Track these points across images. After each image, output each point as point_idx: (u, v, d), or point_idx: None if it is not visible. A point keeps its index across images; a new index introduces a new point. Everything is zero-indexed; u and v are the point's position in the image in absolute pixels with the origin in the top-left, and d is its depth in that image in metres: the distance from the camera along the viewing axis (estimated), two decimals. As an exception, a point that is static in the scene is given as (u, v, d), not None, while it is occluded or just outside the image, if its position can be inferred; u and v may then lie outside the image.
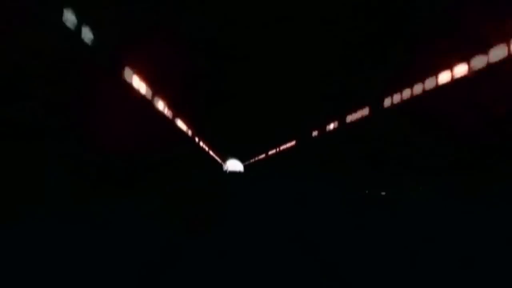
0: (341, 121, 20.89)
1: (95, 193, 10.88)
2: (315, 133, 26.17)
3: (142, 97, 14.20)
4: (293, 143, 34.46)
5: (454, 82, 11.06)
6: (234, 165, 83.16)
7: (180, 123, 23.14)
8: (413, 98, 13.48)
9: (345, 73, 18.32)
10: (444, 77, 11.63)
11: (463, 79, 10.64)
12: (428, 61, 12.20)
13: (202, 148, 38.03)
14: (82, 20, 8.68)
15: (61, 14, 7.74)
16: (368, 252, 6.16)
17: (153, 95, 15.74)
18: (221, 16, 14.38)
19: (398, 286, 4.46)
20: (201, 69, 18.97)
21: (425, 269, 5.23)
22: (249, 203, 14.28)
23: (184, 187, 22.46)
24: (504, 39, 9.15)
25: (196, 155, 33.58)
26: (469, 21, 9.88)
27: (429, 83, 12.47)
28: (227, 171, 76.92)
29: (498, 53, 9.39)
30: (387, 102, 15.84)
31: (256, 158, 63.39)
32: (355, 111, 18.86)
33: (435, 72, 11.96)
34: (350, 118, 19.56)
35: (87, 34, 9.16)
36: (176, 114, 21.13)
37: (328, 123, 23.11)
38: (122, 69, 12.12)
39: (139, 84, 13.53)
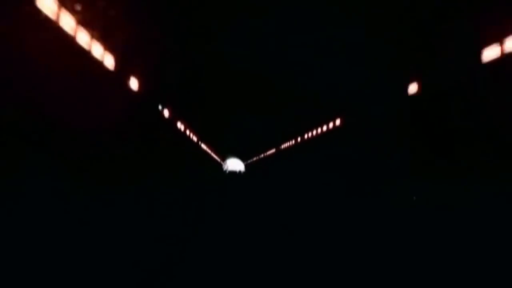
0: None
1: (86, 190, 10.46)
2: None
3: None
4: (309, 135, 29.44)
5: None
6: (234, 164, 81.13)
7: (167, 113, 20.90)
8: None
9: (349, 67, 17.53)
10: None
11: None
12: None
13: (197, 145, 36.32)
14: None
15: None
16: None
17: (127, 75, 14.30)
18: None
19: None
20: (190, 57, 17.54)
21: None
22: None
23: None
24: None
25: (190, 154, 31.74)
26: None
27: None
28: (227, 171, 73.82)
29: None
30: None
31: (260, 157, 60.22)
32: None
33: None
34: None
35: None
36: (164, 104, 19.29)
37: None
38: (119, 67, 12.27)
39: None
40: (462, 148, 11.22)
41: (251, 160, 70.45)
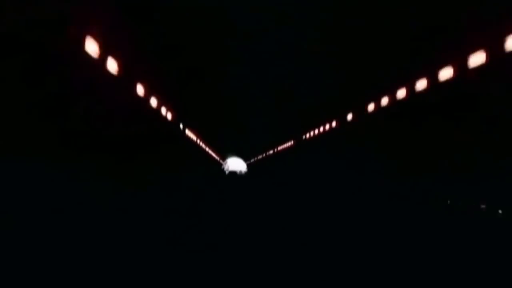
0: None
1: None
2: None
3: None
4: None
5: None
6: (235, 164, 77.35)
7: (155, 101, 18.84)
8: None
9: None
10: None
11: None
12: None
13: (192, 142, 34.46)
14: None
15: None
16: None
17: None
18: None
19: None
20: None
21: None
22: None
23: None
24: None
25: (181, 151, 29.69)
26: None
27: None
28: (227, 171, 69.98)
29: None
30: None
31: (263, 156, 56.12)
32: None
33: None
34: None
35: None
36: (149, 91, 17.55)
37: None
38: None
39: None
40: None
41: (255, 159, 65.14)
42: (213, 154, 56.01)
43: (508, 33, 8.79)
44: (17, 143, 8.36)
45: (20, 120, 8.46)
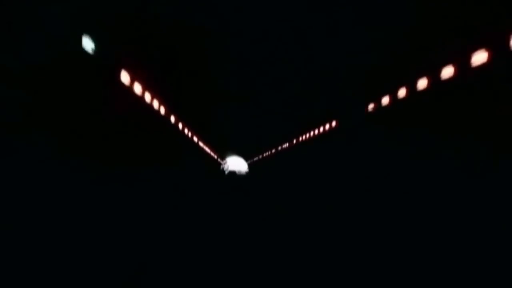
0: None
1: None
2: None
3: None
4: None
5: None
6: (235, 164, 73.84)
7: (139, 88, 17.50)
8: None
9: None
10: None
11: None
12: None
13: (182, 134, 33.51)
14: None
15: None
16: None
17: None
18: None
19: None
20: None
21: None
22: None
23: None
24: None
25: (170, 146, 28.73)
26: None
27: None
28: (227, 171, 64.82)
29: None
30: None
31: (271, 153, 50.00)
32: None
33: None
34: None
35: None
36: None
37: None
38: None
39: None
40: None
41: (258, 157, 59.92)
42: (212, 153, 52.83)
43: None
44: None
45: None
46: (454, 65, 11.19)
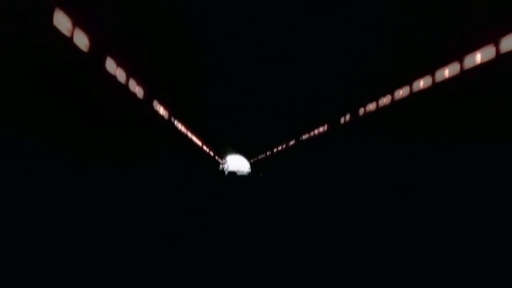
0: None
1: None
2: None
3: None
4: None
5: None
6: (236, 163, 67.04)
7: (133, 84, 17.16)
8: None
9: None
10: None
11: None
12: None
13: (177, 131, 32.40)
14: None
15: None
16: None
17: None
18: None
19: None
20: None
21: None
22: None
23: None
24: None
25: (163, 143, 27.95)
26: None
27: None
28: (227, 171, 59.10)
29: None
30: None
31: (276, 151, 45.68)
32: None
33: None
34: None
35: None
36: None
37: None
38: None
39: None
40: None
41: (261, 156, 54.65)
42: (208, 149, 48.53)
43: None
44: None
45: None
46: (454, 65, 11.10)
